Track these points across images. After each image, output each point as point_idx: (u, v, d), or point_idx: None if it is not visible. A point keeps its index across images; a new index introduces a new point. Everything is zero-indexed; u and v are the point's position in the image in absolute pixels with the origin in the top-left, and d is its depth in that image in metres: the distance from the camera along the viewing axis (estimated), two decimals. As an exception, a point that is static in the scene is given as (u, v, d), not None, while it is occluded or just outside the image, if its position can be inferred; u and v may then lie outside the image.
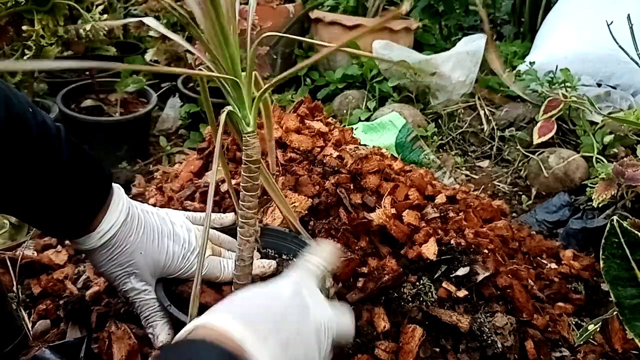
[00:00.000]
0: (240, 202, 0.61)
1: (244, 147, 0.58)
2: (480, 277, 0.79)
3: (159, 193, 1.04)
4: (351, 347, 0.70)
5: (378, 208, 0.85)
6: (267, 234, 0.76)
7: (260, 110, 0.64)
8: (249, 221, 0.62)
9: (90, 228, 0.62)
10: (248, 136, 0.57)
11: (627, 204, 1.22)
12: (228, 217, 0.79)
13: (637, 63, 1.12)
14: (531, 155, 1.69)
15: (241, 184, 0.60)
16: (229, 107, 0.57)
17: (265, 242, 0.76)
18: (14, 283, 0.87)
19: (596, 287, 1.00)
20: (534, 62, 2.00)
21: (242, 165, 0.59)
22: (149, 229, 0.66)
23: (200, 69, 0.60)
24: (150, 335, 0.67)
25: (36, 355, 0.68)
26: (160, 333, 0.66)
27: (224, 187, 0.89)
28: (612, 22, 1.17)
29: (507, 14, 2.98)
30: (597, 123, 1.66)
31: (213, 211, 0.90)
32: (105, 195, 0.63)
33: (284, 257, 0.76)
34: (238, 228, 0.62)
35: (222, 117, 0.55)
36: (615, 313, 0.55)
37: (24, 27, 1.39)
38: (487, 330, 0.75)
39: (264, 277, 0.71)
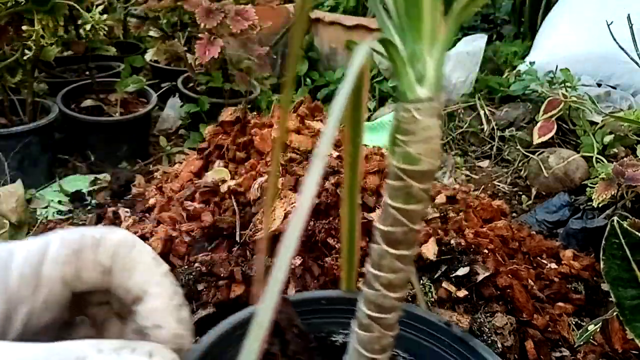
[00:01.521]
0: (368, 268, 0.30)
1: (400, 138, 0.27)
2: (480, 277, 0.79)
3: (159, 193, 1.04)
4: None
5: (378, 208, 0.85)
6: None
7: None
8: (386, 312, 0.30)
9: None
10: (416, 109, 0.26)
11: (627, 204, 1.22)
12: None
13: (637, 63, 1.12)
14: (531, 155, 1.69)
15: (380, 226, 0.29)
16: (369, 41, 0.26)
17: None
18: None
19: (596, 287, 1.00)
20: (534, 62, 2.00)
21: (389, 181, 0.28)
22: None
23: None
24: None
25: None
26: None
27: (224, 188, 0.89)
28: (612, 22, 1.17)
29: (507, 14, 2.98)
30: (597, 123, 1.66)
31: (212, 212, 0.89)
32: None
33: None
34: (356, 329, 0.32)
35: (361, 51, 0.25)
36: (615, 313, 0.55)
37: (24, 27, 1.39)
38: (487, 330, 0.75)
39: None
